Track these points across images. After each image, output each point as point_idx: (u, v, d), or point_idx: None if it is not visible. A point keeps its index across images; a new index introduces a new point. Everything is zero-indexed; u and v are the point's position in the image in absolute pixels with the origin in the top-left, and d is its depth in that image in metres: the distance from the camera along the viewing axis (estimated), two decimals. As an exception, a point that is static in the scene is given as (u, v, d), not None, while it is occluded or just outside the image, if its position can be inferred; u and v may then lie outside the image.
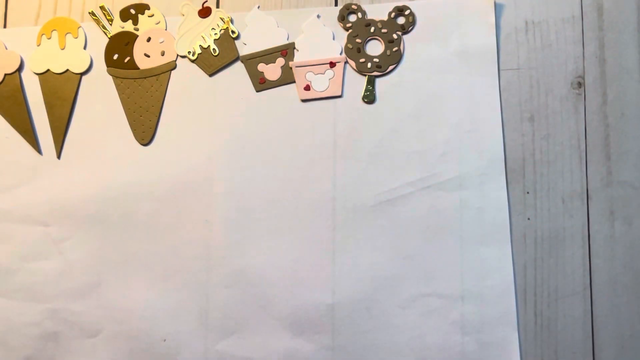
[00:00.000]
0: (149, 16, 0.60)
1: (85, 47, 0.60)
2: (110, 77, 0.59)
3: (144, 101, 0.59)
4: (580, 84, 0.56)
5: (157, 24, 0.60)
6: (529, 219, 0.56)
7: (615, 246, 0.55)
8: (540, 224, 0.56)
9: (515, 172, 0.56)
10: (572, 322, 0.55)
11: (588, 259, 0.55)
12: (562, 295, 0.55)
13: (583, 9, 0.57)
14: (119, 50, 0.59)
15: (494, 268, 0.55)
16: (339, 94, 0.58)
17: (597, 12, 0.56)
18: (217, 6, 0.60)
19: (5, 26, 0.61)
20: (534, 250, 0.56)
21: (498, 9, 0.57)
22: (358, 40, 0.58)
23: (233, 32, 0.59)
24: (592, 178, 0.56)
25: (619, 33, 0.56)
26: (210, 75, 0.59)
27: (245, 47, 0.59)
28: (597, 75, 0.56)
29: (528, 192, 0.56)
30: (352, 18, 0.58)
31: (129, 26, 0.60)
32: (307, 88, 0.58)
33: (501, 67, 0.57)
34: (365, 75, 0.58)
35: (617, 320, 0.55)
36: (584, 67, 0.56)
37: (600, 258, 0.55)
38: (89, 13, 0.60)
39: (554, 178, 0.56)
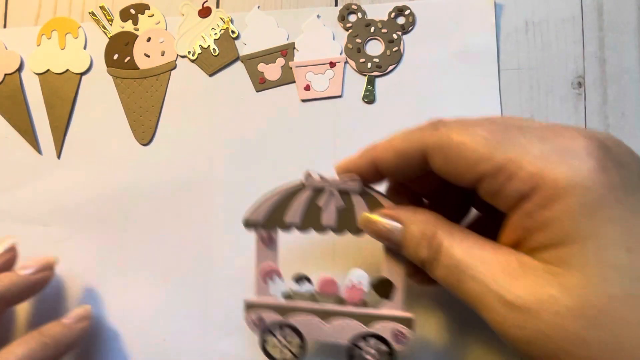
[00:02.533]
0: (149, 16, 0.60)
1: (85, 47, 0.60)
2: (110, 77, 0.59)
3: (144, 101, 0.59)
4: (580, 84, 0.56)
5: (157, 24, 0.59)
6: (529, 218, 0.56)
7: (615, 246, 0.55)
8: (540, 224, 0.56)
9: (515, 172, 0.56)
10: (572, 321, 0.55)
11: (588, 259, 0.55)
12: (562, 295, 0.55)
13: (583, 9, 0.57)
14: (119, 50, 0.59)
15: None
16: (339, 94, 0.58)
17: (597, 12, 0.56)
18: (217, 6, 0.60)
19: (5, 26, 0.61)
20: (534, 250, 0.55)
21: (498, 9, 0.57)
22: (358, 40, 0.58)
23: (233, 32, 0.59)
24: None
25: (619, 33, 0.56)
26: (210, 75, 0.59)
27: (245, 47, 0.59)
28: (597, 75, 0.56)
29: (528, 192, 0.56)
30: (352, 18, 0.58)
31: (129, 26, 0.60)
32: (307, 88, 0.58)
33: (501, 67, 0.57)
34: (365, 75, 0.58)
35: (617, 320, 0.55)
36: (584, 67, 0.56)
37: (600, 258, 0.55)
38: (89, 13, 0.60)
39: (554, 178, 0.56)
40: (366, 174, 0.42)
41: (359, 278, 0.47)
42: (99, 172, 0.58)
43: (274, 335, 0.48)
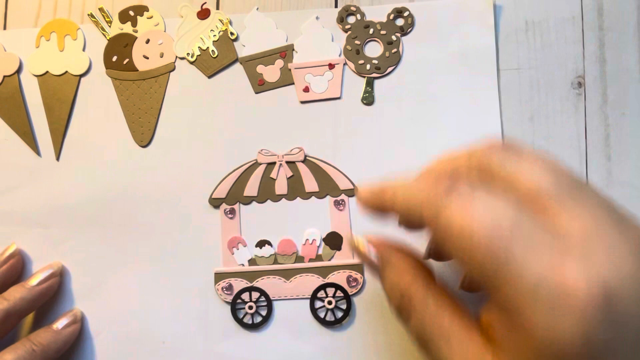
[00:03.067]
0: (147, 18, 0.59)
1: (84, 49, 0.60)
2: (109, 78, 0.59)
3: (142, 103, 0.58)
4: (580, 84, 0.56)
5: (156, 25, 0.59)
6: (529, 219, 0.56)
7: (616, 247, 0.55)
8: (540, 225, 0.56)
9: (515, 172, 0.56)
10: (573, 323, 0.55)
11: (589, 260, 0.55)
12: (563, 296, 0.55)
13: (583, 9, 0.57)
14: (118, 52, 0.59)
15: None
16: (338, 95, 0.58)
17: (597, 12, 0.56)
18: (217, 8, 0.60)
19: (5, 27, 0.61)
20: (534, 251, 0.55)
21: (498, 9, 0.57)
22: (357, 42, 0.58)
23: (232, 33, 0.59)
24: (592, 178, 0.56)
25: (619, 33, 0.56)
26: (209, 76, 0.59)
27: (244, 49, 0.59)
28: (597, 75, 0.56)
29: (528, 193, 0.56)
30: (351, 19, 0.58)
31: (127, 28, 0.59)
32: (306, 90, 0.58)
33: (501, 67, 0.57)
34: (364, 76, 0.58)
35: (619, 321, 0.55)
36: (584, 67, 0.56)
37: (601, 259, 0.55)
38: (88, 15, 0.60)
39: (555, 178, 0.56)
40: (379, 212, 0.41)
41: (312, 235, 0.55)
42: (98, 174, 0.58)
43: (243, 301, 0.55)
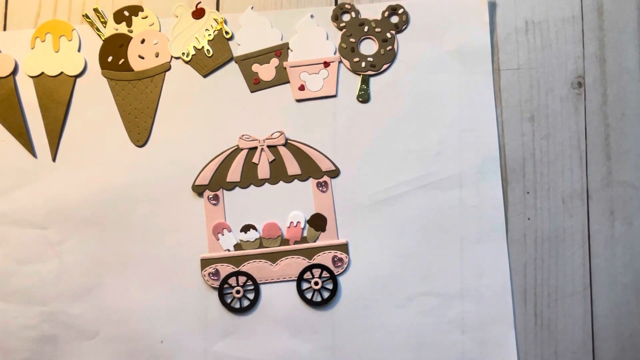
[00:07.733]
0: (142, 18, 0.59)
1: (79, 50, 0.60)
2: (105, 79, 0.59)
3: (138, 103, 0.59)
4: (580, 84, 0.56)
5: (150, 25, 0.59)
6: (529, 219, 0.56)
7: (615, 246, 0.56)
8: (540, 224, 0.56)
9: (515, 172, 0.56)
10: (572, 322, 0.55)
11: (588, 259, 0.55)
12: (562, 295, 0.55)
13: (583, 9, 0.56)
14: (113, 53, 0.59)
15: (491, 266, 0.56)
16: (334, 93, 0.58)
17: (597, 12, 0.56)
18: (217, 9, 0.59)
19: (5, 28, 0.61)
20: (534, 250, 0.56)
21: (498, 8, 0.57)
22: (352, 40, 0.58)
23: (227, 32, 0.58)
24: (592, 178, 0.56)
25: (619, 33, 0.55)
26: (205, 76, 0.59)
27: (239, 48, 0.59)
28: (597, 75, 0.56)
29: (528, 192, 0.56)
30: (346, 17, 0.58)
31: (122, 28, 0.59)
32: (302, 88, 0.58)
33: (501, 67, 0.57)
34: (359, 74, 0.58)
35: (617, 320, 0.55)
36: (584, 67, 0.56)
37: (600, 258, 0.55)
38: (83, 16, 0.60)
39: (554, 178, 0.56)
40: None
41: (296, 218, 0.56)
42: (94, 174, 0.59)
43: (230, 286, 0.56)
